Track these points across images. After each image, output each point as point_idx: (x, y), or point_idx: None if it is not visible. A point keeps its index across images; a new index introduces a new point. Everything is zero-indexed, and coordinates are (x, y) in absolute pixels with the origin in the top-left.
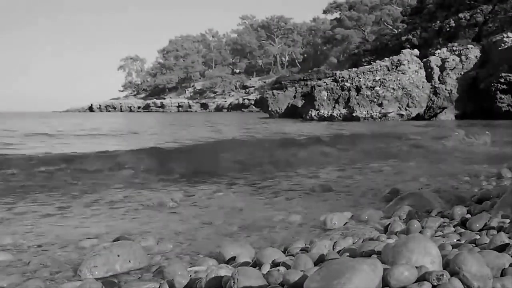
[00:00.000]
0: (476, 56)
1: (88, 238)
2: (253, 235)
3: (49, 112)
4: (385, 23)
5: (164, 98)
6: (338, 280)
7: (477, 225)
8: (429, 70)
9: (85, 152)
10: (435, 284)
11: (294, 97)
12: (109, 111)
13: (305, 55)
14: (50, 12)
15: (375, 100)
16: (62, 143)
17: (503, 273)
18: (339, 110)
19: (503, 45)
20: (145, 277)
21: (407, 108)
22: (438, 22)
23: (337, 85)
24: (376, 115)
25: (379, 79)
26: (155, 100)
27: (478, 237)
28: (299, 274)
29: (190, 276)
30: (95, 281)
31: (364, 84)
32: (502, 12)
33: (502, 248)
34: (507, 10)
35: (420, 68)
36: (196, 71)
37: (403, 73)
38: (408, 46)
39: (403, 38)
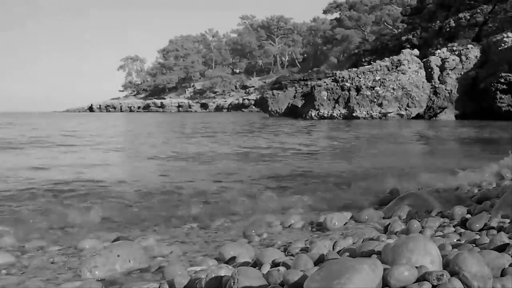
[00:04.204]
0: (476, 56)
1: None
2: (253, 235)
3: (50, 112)
4: (385, 23)
5: (164, 98)
6: (338, 280)
7: (477, 225)
8: (429, 70)
9: None
10: (435, 284)
11: (294, 97)
12: (109, 111)
13: (305, 55)
14: (50, 12)
15: (375, 100)
16: None
17: (503, 273)
18: (339, 110)
19: (503, 45)
20: (145, 277)
21: (407, 108)
22: (438, 22)
23: (337, 85)
24: (376, 115)
25: (379, 79)
26: (155, 100)
27: (478, 237)
28: (299, 274)
29: (190, 276)
30: (95, 281)
31: (364, 84)
32: (502, 12)
33: (502, 248)
34: (507, 10)
35: (420, 68)
36: (196, 71)
37: (403, 73)
38: (408, 46)
39: (403, 38)
